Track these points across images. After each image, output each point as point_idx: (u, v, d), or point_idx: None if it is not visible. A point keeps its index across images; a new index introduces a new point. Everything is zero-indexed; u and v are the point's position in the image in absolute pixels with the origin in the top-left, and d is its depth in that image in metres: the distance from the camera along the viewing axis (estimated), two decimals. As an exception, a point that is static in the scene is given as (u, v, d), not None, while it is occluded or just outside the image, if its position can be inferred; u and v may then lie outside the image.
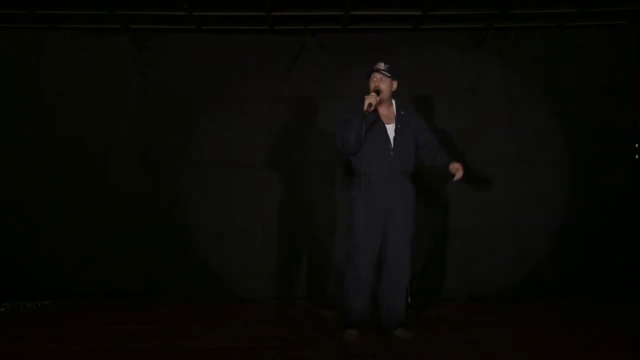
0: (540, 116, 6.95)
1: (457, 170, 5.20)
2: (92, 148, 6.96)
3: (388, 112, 5.22)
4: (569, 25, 6.98)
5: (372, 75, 5.17)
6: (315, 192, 6.97)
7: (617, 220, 6.89)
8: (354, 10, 6.60)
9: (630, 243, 6.88)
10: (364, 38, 7.01)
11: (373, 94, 5.07)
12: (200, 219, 6.93)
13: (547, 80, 6.98)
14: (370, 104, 5.01)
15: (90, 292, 6.84)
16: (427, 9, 6.52)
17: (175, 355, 4.78)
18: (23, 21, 6.87)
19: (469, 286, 6.86)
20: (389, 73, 5.16)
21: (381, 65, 5.17)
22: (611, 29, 6.95)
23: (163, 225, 6.93)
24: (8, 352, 4.76)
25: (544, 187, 6.93)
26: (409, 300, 6.02)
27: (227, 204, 6.96)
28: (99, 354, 4.78)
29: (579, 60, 6.97)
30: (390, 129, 5.17)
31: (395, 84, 5.22)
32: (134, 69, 7.00)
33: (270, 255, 6.94)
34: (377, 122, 5.16)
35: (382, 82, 5.15)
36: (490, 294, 6.81)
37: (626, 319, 6.03)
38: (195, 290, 6.87)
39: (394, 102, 5.27)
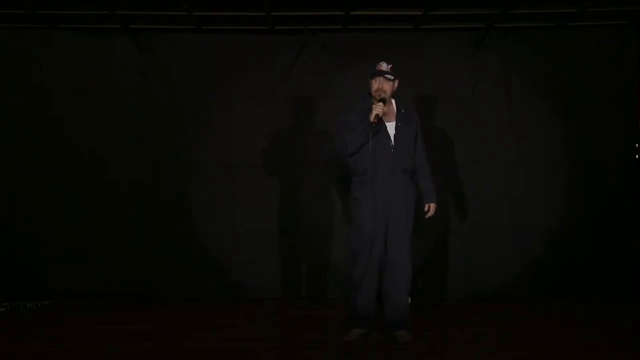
0: (540, 116, 6.96)
1: (429, 210, 5.27)
2: (93, 148, 6.96)
3: (388, 110, 5.21)
4: (569, 25, 6.98)
5: (376, 78, 5.15)
6: (316, 191, 6.96)
7: (617, 220, 6.89)
8: (354, 10, 6.59)
9: (630, 243, 6.88)
10: (364, 38, 7.01)
11: (380, 104, 5.06)
12: (200, 219, 6.93)
13: (547, 80, 6.98)
14: (377, 115, 5.03)
15: (90, 292, 6.83)
16: (427, 9, 6.52)
17: (175, 355, 4.78)
18: (23, 21, 6.86)
19: (469, 286, 6.86)
20: (392, 76, 5.15)
21: (384, 67, 5.15)
22: (611, 29, 6.95)
23: (163, 225, 6.93)
24: (8, 352, 4.76)
25: (544, 187, 6.93)
26: (409, 301, 6.02)
27: (228, 204, 6.96)
28: (99, 354, 4.78)
29: (579, 60, 6.97)
30: (391, 126, 5.17)
31: (396, 84, 5.22)
32: (134, 69, 7.00)
33: (270, 256, 6.93)
34: (378, 121, 5.17)
35: (386, 84, 5.14)
36: (491, 294, 6.81)
37: (626, 319, 6.03)
38: (195, 290, 6.87)
39: (393, 100, 5.27)
